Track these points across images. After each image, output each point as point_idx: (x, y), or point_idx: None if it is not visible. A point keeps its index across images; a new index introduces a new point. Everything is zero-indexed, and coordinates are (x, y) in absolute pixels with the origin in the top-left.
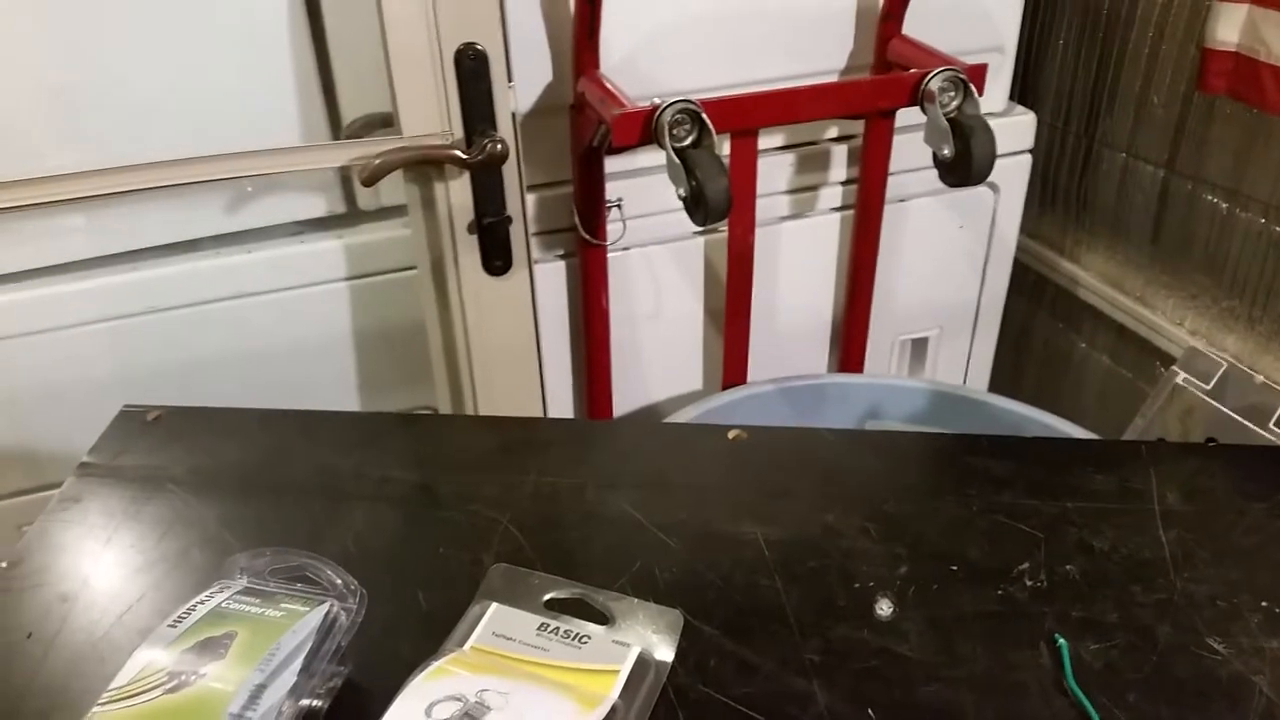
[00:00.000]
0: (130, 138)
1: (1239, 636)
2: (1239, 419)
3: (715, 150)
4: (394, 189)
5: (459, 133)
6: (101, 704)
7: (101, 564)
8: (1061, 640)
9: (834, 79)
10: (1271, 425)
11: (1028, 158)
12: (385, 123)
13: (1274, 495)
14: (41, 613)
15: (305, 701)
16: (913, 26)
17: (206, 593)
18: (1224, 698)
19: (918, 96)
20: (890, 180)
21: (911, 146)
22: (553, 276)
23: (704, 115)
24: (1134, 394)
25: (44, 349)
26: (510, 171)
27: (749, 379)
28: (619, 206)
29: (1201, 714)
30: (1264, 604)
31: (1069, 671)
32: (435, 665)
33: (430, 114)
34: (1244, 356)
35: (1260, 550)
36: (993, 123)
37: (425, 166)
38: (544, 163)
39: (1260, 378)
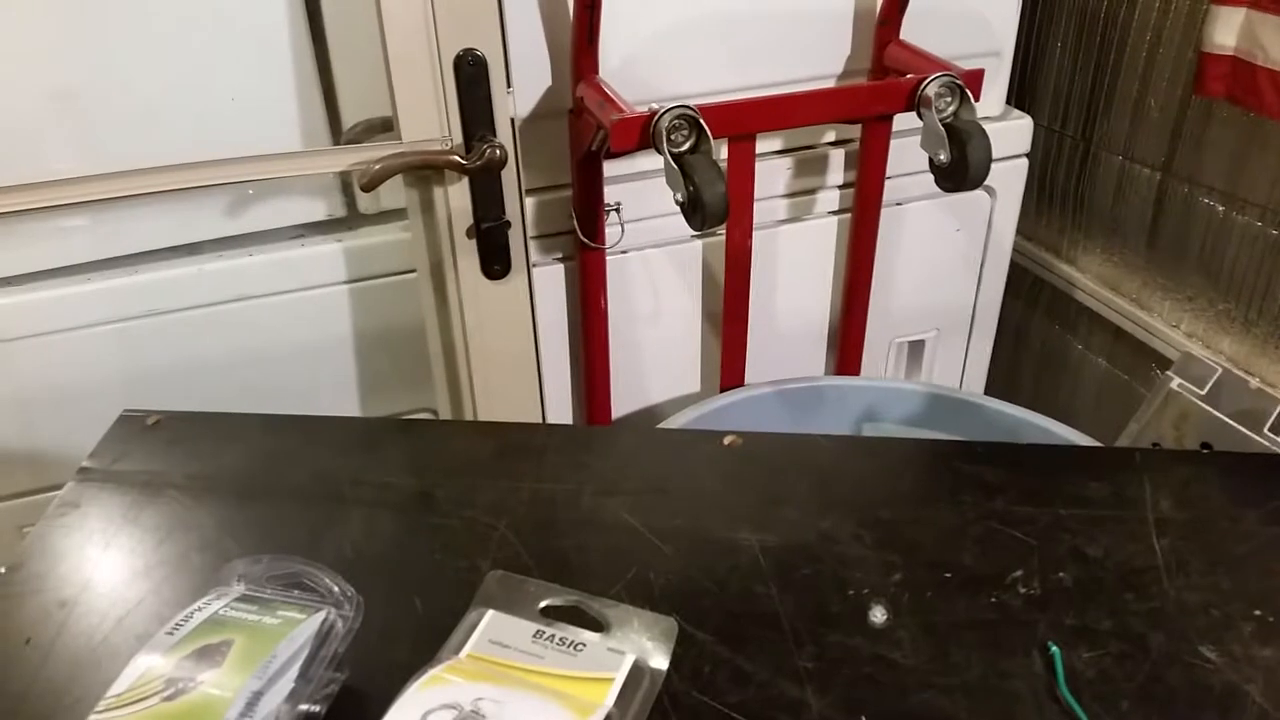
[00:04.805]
0: (133, 142)
1: (1231, 645)
2: (1234, 424)
3: (713, 155)
4: (394, 193)
5: (458, 138)
6: (99, 712)
7: (100, 569)
8: (1055, 648)
9: (831, 84)
10: (1266, 430)
11: (1024, 162)
12: (385, 127)
13: (1267, 503)
14: (40, 618)
15: (303, 707)
16: (910, 31)
17: (203, 600)
18: (1216, 706)
19: (914, 102)
20: (887, 184)
21: (908, 150)
22: (551, 280)
23: (702, 121)
24: (1130, 396)
25: (47, 351)
26: (509, 176)
27: (746, 381)
28: (617, 210)
29: None
30: (1257, 612)
31: (1062, 679)
32: (431, 673)
33: (430, 119)
34: (1240, 359)
35: (1253, 558)
36: (989, 127)
37: (425, 171)
38: (543, 167)
39: (1255, 382)
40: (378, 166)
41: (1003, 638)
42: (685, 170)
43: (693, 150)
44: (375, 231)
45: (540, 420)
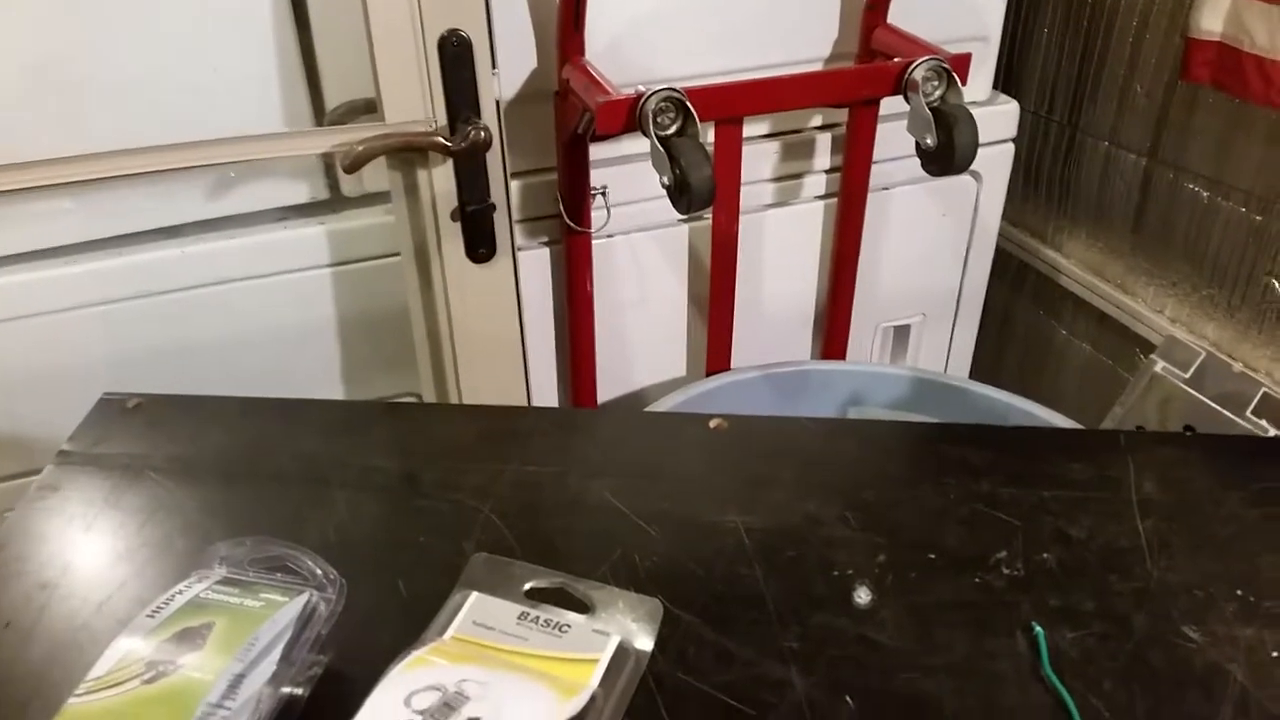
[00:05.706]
0: (113, 123)
1: (1214, 625)
2: (1217, 407)
3: (699, 138)
4: (377, 175)
5: (442, 119)
6: (79, 695)
7: (81, 552)
8: (1038, 628)
9: (819, 67)
10: (1248, 414)
11: (1010, 146)
12: (369, 109)
13: (1249, 485)
14: (21, 601)
15: (285, 690)
16: (898, 15)
17: (185, 583)
18: (1199, 685)
19: (901, 86)
20: (874, 168)
21: (895, 135)
22: (537, 263)
23: (688, 103)
24: (1114, 381)
25: (29, 333)
26: (494, 159)
27: (733, 365)
28: (603, 193)
29: (1177, 702)
30: (1238, 593)
31: (1045, 660)
32: (415, 655)
33: (414, 101)
34: (1223, 344)
35: (1235, 539)
36: (976, 112)
37: (408, 153)
38: (528, 149)
39: (1238, 366)
40: (361, 148)
41: (987, 618)
42: (671, 153)
43: (679, 133)
44: (358, 214)
45: (526, 404)
